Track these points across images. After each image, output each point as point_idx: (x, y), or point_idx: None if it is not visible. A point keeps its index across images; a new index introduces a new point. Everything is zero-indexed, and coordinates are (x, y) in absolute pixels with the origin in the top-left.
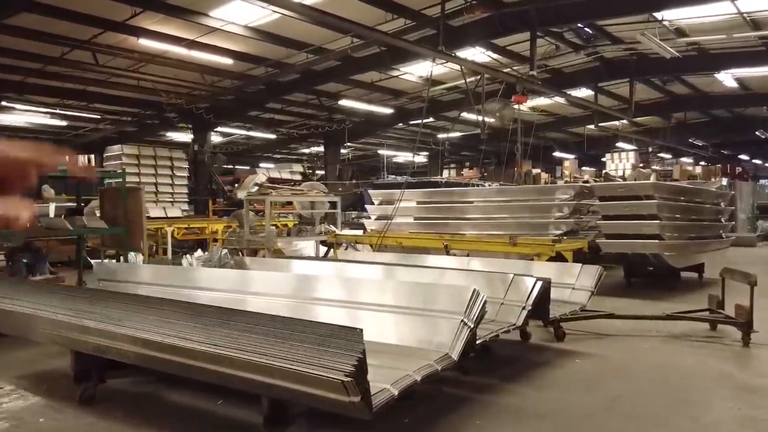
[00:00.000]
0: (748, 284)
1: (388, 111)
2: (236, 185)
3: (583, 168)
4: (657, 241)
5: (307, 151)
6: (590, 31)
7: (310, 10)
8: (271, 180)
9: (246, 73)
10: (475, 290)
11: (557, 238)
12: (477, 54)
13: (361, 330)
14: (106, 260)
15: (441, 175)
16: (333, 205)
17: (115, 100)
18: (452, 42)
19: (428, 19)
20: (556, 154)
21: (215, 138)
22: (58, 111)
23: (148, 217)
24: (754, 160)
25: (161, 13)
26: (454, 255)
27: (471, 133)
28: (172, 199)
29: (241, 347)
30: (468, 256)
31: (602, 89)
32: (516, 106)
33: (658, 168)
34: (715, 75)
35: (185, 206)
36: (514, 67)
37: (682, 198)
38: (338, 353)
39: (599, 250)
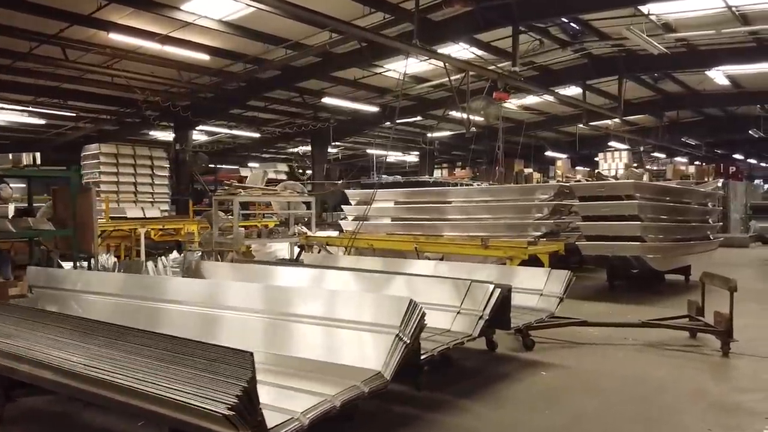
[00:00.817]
0: (728, 290)
1: (374, 109)
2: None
3: (577, 168)
4: (638, 243)
5: (295, 150)
6: (576, 27)
7: (282, 3)
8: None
9: (224, 70)
10: (411, 301)
11: (533, 240)
12: (460, 50)
13: (251, 354)
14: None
15: (431, 175)
16: (308, 205)
17: (92, 98)
18: (433, 37)
19: (407, 13)
20: (549, 153)
21: (200, 137)
22: (31, 108)
23: (125, 218)
24: (748, 160)
25: (130, 7)
26: (428, 258)
27: (461, 132)
28: (152, 199)
29: (125, 371)
30: (442, 259)
31: (592, 87)
32: (500, 104)
33: (652, 167)
34: (706, 72)
35: (166, 206)
36: (500, 64)
37: (667, 198)
38: (223, 381)
39: (579, 253)
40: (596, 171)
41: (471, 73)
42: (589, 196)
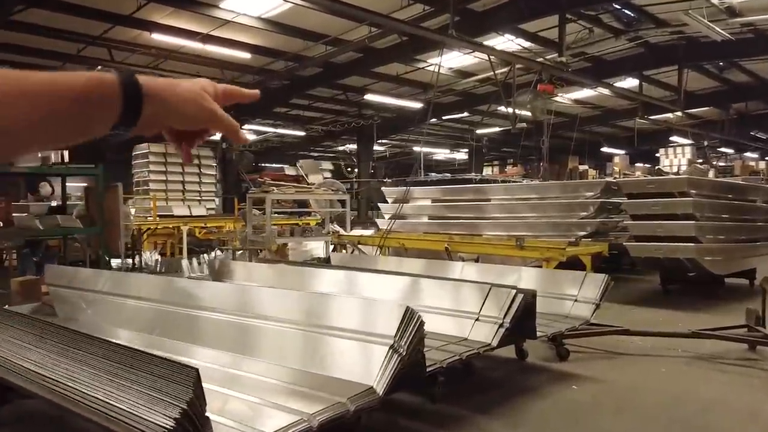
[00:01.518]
0: None
1: (418, 105)
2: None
3: (637, 164)
4: (693, 244)
5: (342, 148)
6: (630, 14)
7: None
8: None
9: (266, 68)
10: (408, 309)
11: (575, 240)
12: (506, 42)
13: (197, 370)
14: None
15: (480, 172)
16: (343, 203)
17: None
18: (475, 28)
19: (447, 3)
20: (606, 149)
21: (249, 137)
22: None
23: (172, 216)
24: None
25: (170, 6)
26: (462, 259)
27: (510, 128)
28: (199, 198)
29: (73, 381)
30: (477, 260)
31: (650, 78)
32: (547, 97)
33: (718, 164)
34: None
35: (213, 205)
36: (548, 56)
37: (730, 196)
38: (164, 401)
39: (627, 254)
40: (656, 168)
41: (518, 66)
42: (638, 193)
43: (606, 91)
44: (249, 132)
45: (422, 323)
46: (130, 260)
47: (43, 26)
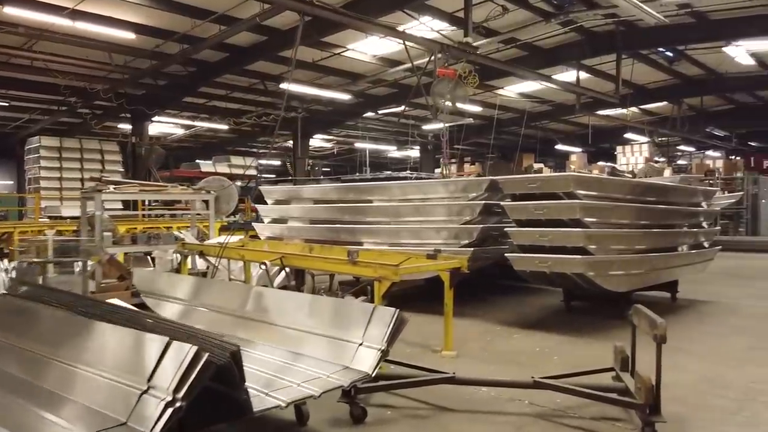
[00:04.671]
0: (653, 339)
1: (346, 97)
2: None
3: (599, 163)
4: (580, 256)
5: (286, 144)
6: None
7: None
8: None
9: (158, 51)
10: None
11: (433, 253)
12: (419, 25)
13: None
14: None
15: (432, 171)
16: (207, 204)
17: (35, 87)
18: (382, 7)
19: None
20: (562, 147)
21: (177, 131)
22: None
23: (61, 217)
24: None
25: None
26: (312, 275)
27: (459, 123)
28: None
29: None
30: (332, 277)
31: (594, 70)
32: (465, 85)
33: (681, 162)
34: (723, 50)
35: (117, 204)
36: (477, 43)
37: (651, 198)
38: None
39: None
40: (611, 166)
41: (439, 54)
42: (521, 193)
43: (552, 85)
44: (178, 126)
45: None
46: None
47: None
